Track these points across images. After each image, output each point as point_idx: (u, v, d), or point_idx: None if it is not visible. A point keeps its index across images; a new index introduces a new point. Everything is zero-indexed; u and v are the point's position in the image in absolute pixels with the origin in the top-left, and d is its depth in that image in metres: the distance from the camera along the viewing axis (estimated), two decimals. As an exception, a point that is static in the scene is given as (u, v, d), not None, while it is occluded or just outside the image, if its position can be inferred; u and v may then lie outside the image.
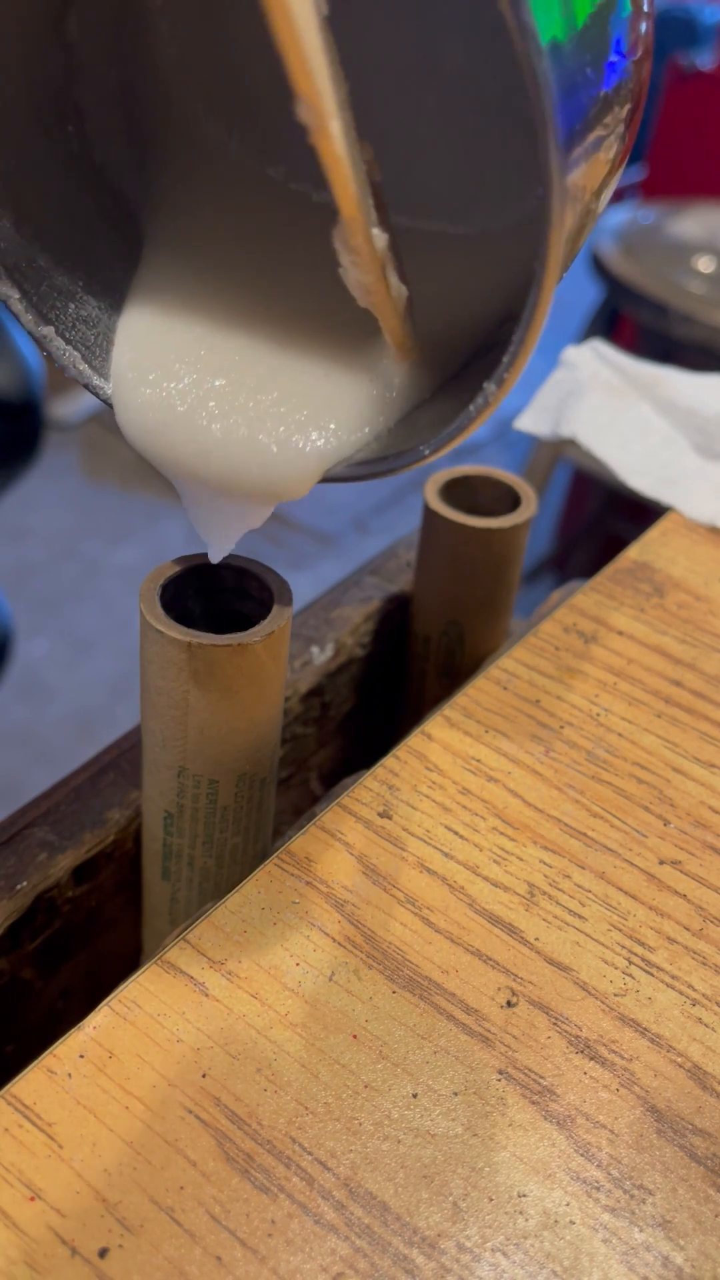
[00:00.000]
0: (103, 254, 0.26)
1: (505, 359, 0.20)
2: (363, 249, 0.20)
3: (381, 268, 0.21)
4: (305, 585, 1.37)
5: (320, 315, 0.26)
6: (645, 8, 0.22)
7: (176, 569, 0.27)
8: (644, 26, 0.22)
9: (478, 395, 0.21)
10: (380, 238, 0.21)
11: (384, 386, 0.25)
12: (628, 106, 0.21)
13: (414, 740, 0.32)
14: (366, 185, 0.20)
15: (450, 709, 0.33)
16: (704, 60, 1.62)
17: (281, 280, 0.26)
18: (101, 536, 1.63)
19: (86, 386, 0.26)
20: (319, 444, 0.24)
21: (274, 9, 0.17)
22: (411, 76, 0.25)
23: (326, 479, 0.25)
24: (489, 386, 0.21)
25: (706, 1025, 0.26)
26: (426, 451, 0.22)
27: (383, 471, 0.24)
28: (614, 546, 0.43)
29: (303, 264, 0.26)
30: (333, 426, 0.24)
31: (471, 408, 0.21)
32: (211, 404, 0.24)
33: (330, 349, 0.25)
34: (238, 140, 0.28)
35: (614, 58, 0.20)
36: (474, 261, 0.26)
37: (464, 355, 0.26)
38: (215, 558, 0.27)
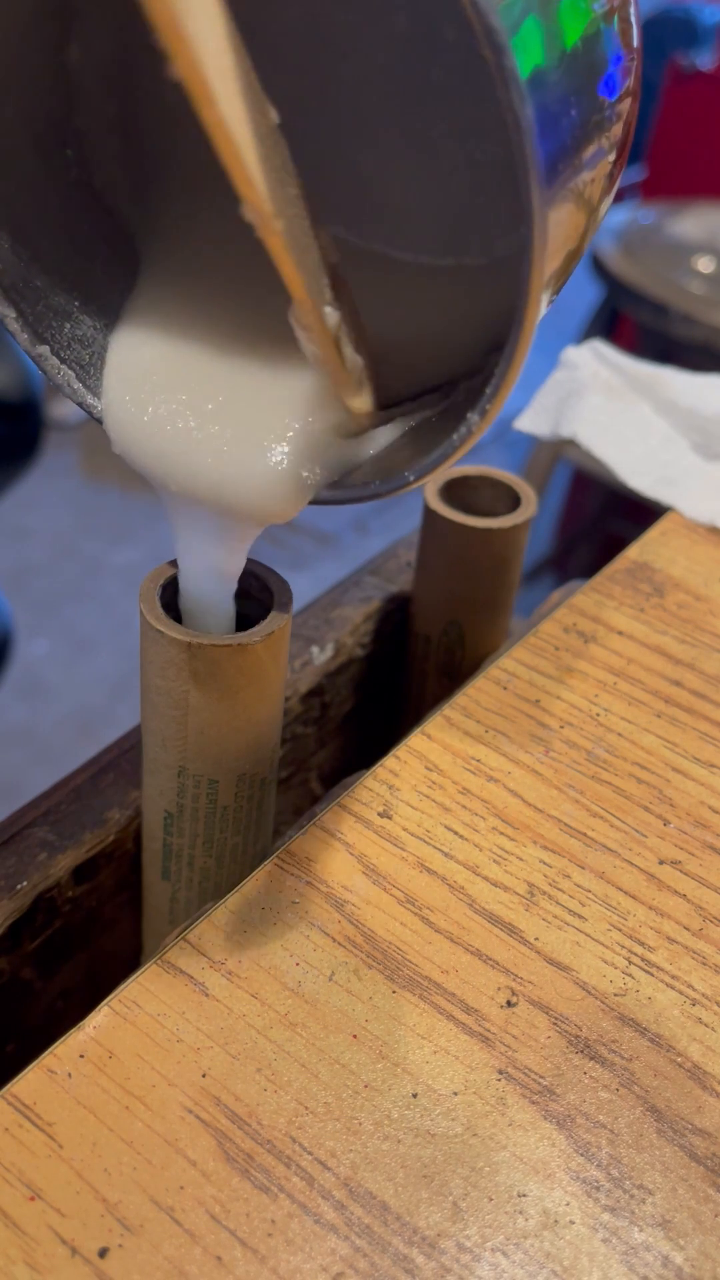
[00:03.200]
0: (99, 275, 0.27)
1: (488, 390, 0.21)
2: (315, 326, 0.21)
3: (335, 342, 0.22)
4: (305, 585, 1.37)
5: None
6: (633, 32, 0.22)
7: (177, 569, 0.27)
8: (633, 59, 0.22)
9: (460, 425, 0.21)
10: (332, 315, 0.21)
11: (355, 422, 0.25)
12: (618, 130, 0.22)
13: (414, 740, 0.32)
14: (319, 269, 0.21)
15: (450, 709, 0.33)
16: (704, 60, 1.62)
17: (275, 305, 0.26)
18: (101, 536, 1.63)
19: (80, 405, 0.26)
20: (304, 470, 0.24)
21: (214, 130, 0.17)
22: (400, 109, 0.25)
23: (314, 502, 0.25)
24: (472, 417, 0.21)
25: (706, 1025, 0.26)
26: (411, 478, 0.23)
27: (367, 496, 0.24)
28: (614, 546, 0.43)
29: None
30: (309, 456, 0.25)
31: (455, 437, 0.22)
32: (199, 424, 0.24)
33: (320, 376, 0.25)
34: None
35: (602, 88, 0.20)
36: (462, 290, 0.26)
37: (454, 377, 0.26)
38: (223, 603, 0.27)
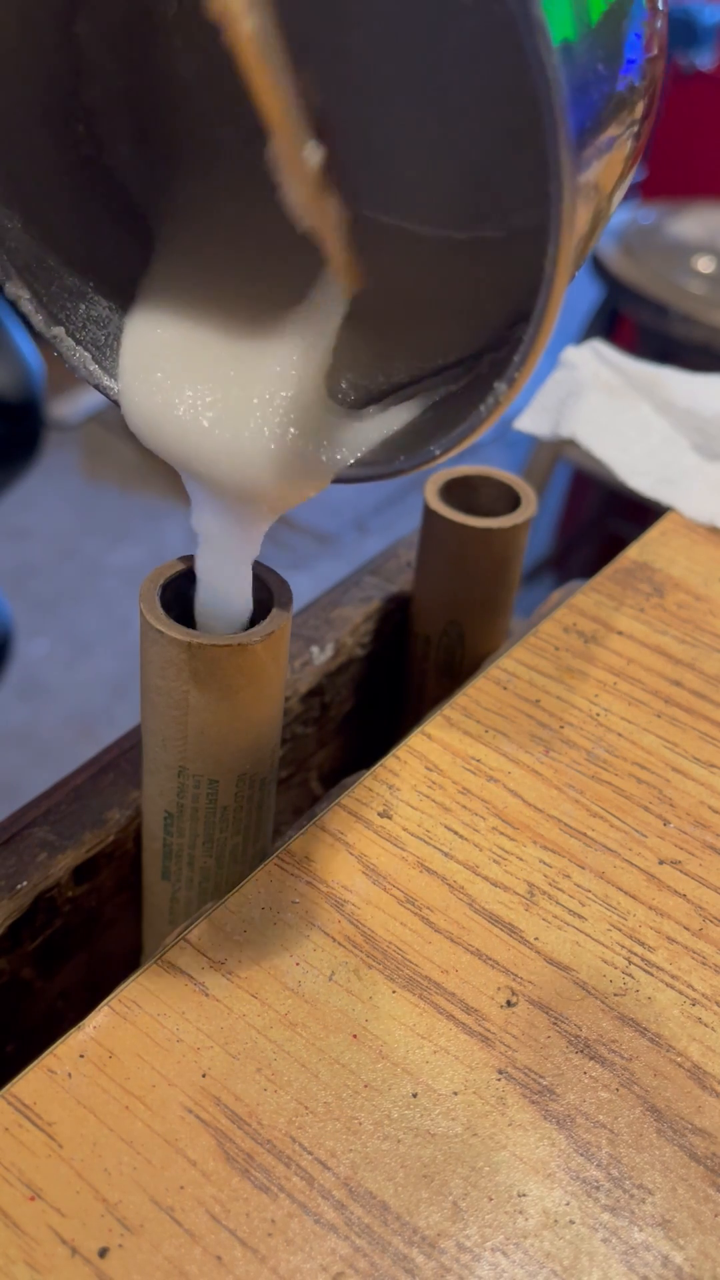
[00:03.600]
0: (112, 254, 0.26)
1: (516, 358, 0.20)
2: (292, 160, 0.19)
3: (317, 186, 0.20)
4: (305, 585, 1.37)
5: (325, 316, 0.26)
6: (659, 5, 0.22)
7: (176, 569, 0.27)
8: (658, 24, 0.22)
9: (488, 395, 0.21)
10: (314, 153, 0.20)
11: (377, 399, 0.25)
12: (641, 105, 0.21)
13: (414, 740, 0.32)
14: (295, 100, 0.19)
15: (450, 709, 0.33)
16: (704, 60, 1.62)
17: (288, 284, 0.26)
18: (101, 536, 1.63)
19: (96, 387, 0.26)
20: (319, 449, 0.24)
21: None
22: (416, 79, 0.25)
23: (338, 480, 0.25)
24: (499, 386, 0.21)
25: (706, 1025, 0.26)
26: (437, 452, 0.22)
27: (393, 473, 0.24)
28: (614, 546, 0.43)
29: (310, 268, 0.26)
30: (331, 434, 0.24)
31: (482, 408, 0.21)
32: (214, 406, 0.24)
33: (330, 351, 0.25)
34: (247, 144, 0.28)
35: (628, 56, 0.20)
36: (481, 263, 0.26)
37: (473, 351, 0.26)
38: (214, 615, 0.27)
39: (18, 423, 0.72)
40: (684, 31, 1.60)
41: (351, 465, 0.25)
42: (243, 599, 0.27)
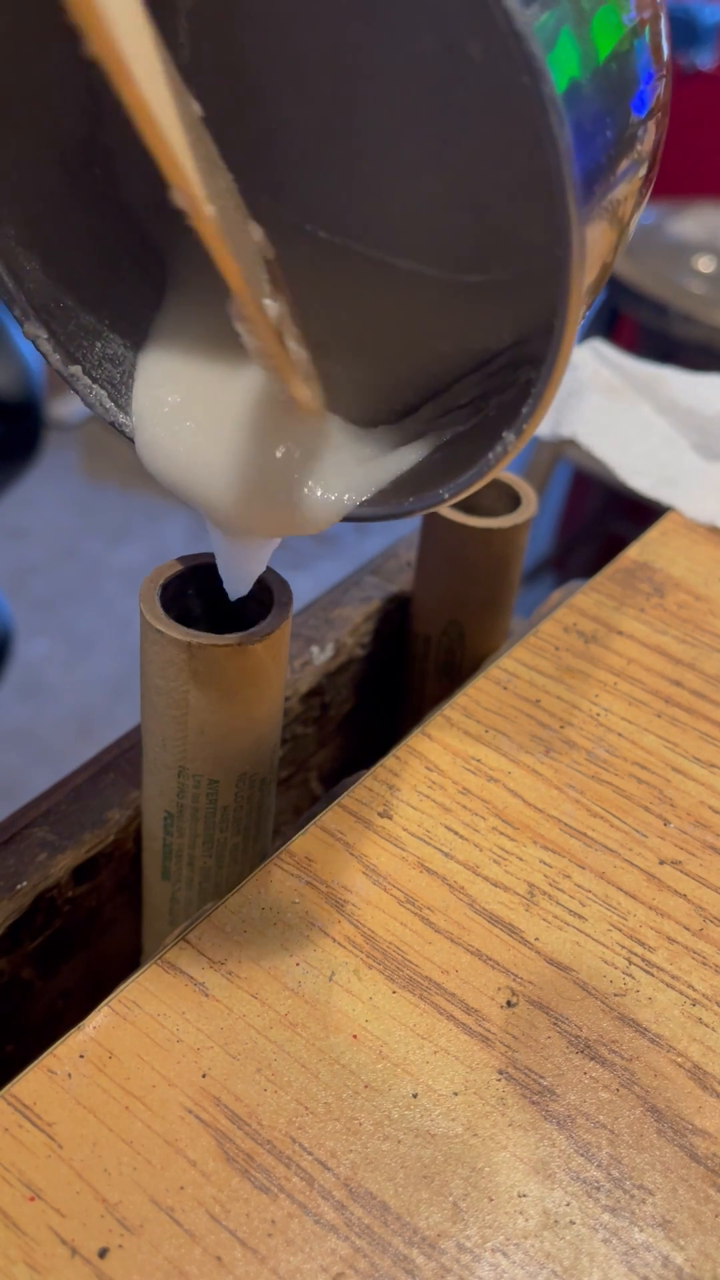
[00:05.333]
0: (128, 292, 0.27)
1: (524, 410, 0.20)
2: (255, 318, 0.21)
3: (277, 335, 0.21)
4: (305, 585, 1.37)
5: (337, 357, 0.26)
6: (662, 29, 0.21)
7: (176, 569, 0.27)
8: (664, 46, 0.21)
9: (496, 444, 0.21)
10: (272, 308, 0.21)
11: (386, 440, 0.25)
12: (651, 139, 0.21)
13: (414, 740, 0.32)
14: (257, 260, 0.20)
15: (450, 709, 0.33)
16: (704, 60, 1.62)
17: (300, 322, 0.26)
18: (101, 536, 1.63)
19: (112, 425, 0.26)
20: (328, 491, 0.24)
21: (140, 117, 0.17)
22: (426, 129, 0.25)
23: (347, 519, 0.25)
24: (508, 436, 0.21)
25: (706, 1025, 0.26)
26: (445, 495, 0.23)
27: (401, 514, 0.24)
28: (614, 546, 0.43)
29: (321, 306, 0.26)
30: (339, 475, 0.25)
31: (490, 456, 0.21)
32: (225, 444, 0.24)
33: (346, 393, 0.25)
34: (260, 183, 0.28)
35: (636, 95, 0.20)
36: (487, 302, 0.26)
37: (477, 395, 0.26)
38: (236, 594, 0.27)
39: (18, 423, 0.72)
40: (684, 31, 1.61)
41: (361, 505, 0.25)
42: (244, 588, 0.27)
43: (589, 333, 1.39)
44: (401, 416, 0.26)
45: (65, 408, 1.80)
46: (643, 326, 1.28)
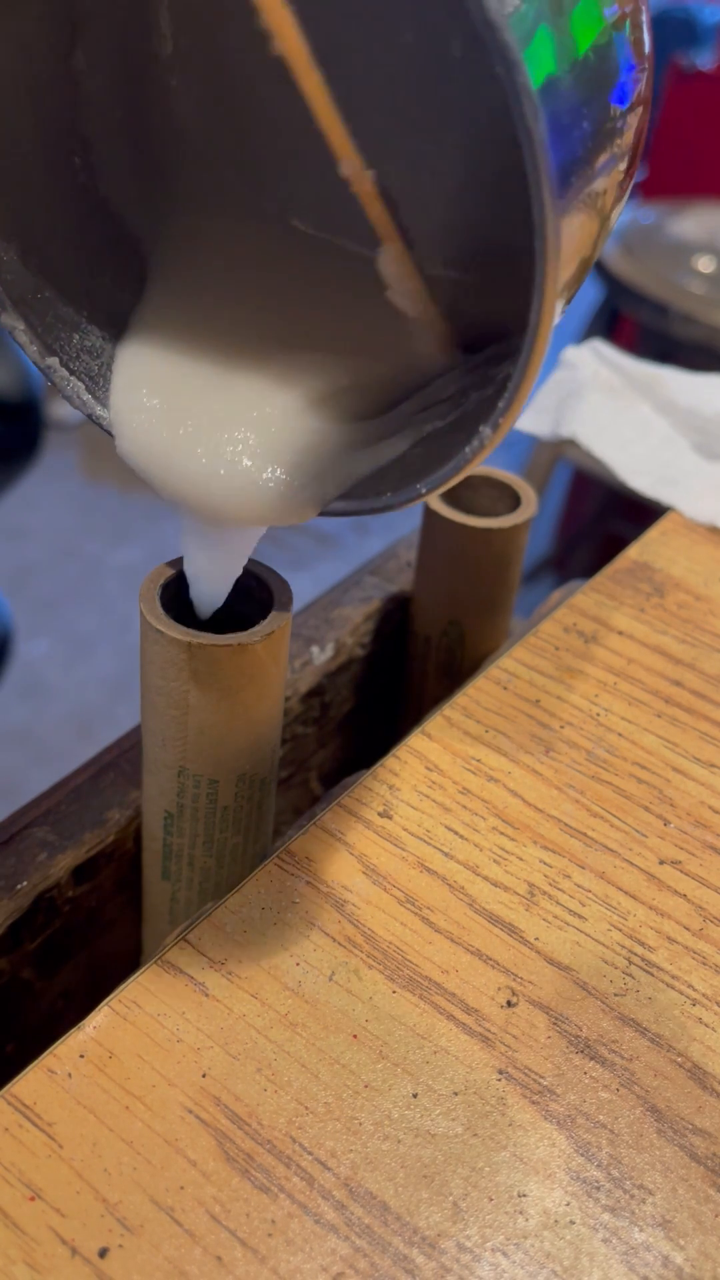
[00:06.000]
0: (107, 284, 0.27)
1: (500, 404, 0.20)
2: (405, 263, 0.22)
3: (420, 275, 0.22)
4: (305, 585, 1.37)
5: (316, 352, 0.26)
6: (643, 20, 0.21)
7: (176, 569, 0.27)
8: (645, 40, 0.21)
9: (473, 438, 0.21)
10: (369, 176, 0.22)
11: (363, 433, 0.25)
12: (631, 132, 0.21)
13: (414, 740, 0.32)
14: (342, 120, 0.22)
15: (450, 709, 0.33)
16: (704, 60, 1.62)
17: (281, 315, 0.26)
18: (101, 536, 1.63)
19: (90, 417, 0.26)
20: (305, 482, 0.24)
21: (313, 96, 0.19)
22: (402, 127, 0.25)
23: (325, 513, 0.25)
24: (484, 430, 0.21)
25: (706, 1025, 0.26)
26: (423, 490, 0.23)
27: (379, 509, 0.24)
28: (614, 546, 0.43)
29: (302, 300, 0.26)
30: (318, 467, 0.25)
31: (468, 450, 0.21)
32: (202, 435, 0.24)
33: (324, 387, 0.25)
34: (243, 177, 0.28)
35: (616, 86, 0.20)
36: (470, 297, 0.26)
37: (456, 390, 0.26)
38: (208, 608, 0.27)
39: (18, 423, 0.72)
40: (684, 31, 1.61)
41: (339, 499, 0.25)
42: (220, 597, 0.27)
43: (589, 333, 1.39)
44: (382, 410, 0.26)
45: (65, 408, 1.80)
46: (643, 326, 1.28)
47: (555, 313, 0.19)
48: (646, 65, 0.21)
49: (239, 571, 0.27)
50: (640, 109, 0.22)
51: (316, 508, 0.25)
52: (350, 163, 0.21)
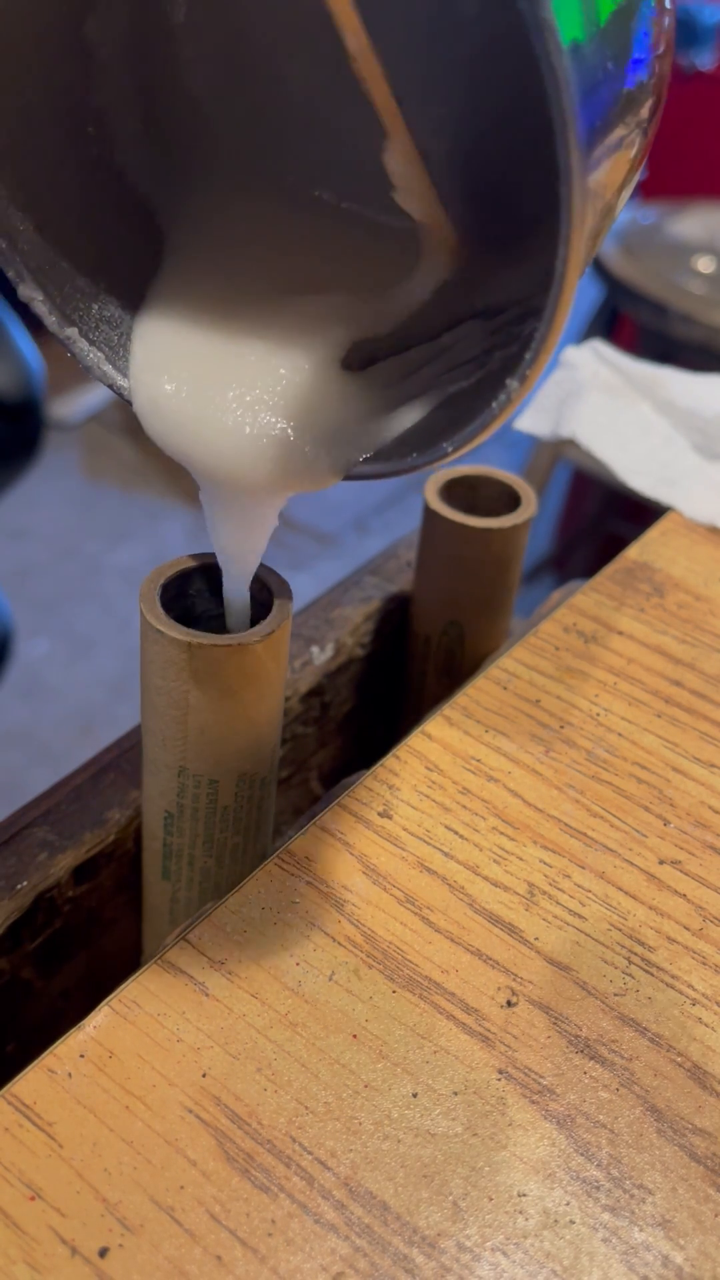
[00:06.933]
0: (124, 255, 0.27)
1: (527, 355, 0.20)
2: (412, 159, 0.22)
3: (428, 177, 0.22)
4: (305, 585, 1.37)
5: (332, 320, 0.26)
6: (667, 3, 0.22)
7: (176, 569, 0.27)
8: (666, 22, 0.22)
9: (500, 392, 0.21)
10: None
11: (386, 396, 0.25)
12: (649, 103, 0.21)
13: (414, 740, 0.32)
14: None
15: (450, 709, 0.33)
16: (704, 60, 1.62)
17: (298, 284, 0.26)
18: (101, 536, 1.63)
19: (110, 387, 0.26)
20: (330, 448, 0.24)
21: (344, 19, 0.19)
22: (423, 92, 0.25)
23: (349, 477, 0.25)
24: (511, 383, 0.21)
25: (706, 1025, 0.26)
26: (449, 449, 0.22)
27: (406, 469, 0.24)
28: (614, 546, 0.43)
29: (320, 270, 0.26)
30: (341, 432, 0.24)
31: (494, 405, 0.21)
32: (221, 403, 0.24)
33: (341, 346, 0.25)
34: (259, 147, 0.28)
35: (636, 54, 0.20)
36: (491, 256, 0.26)
37: (480, 351, 0.26)
38: (239, 585, 0.27)
39: (18, 423, 0.72)
40: (684, 31, 1.61)
41: (364, 462, 0.25)
42: (247, 573, 0.27)
43: (589, 333, 1.39)
44: (405, 375, 0.26)
45: (65, 408, 1.79)
46: (643, 326, 1.28)
47: (582, 258, 0.19)
48: (667, 45, 0.22)
49: (263, 546, 0.27)
50: (666, 58, 0.22)
51: (340, 471, 0.25)
52: (355, 38, 0.21)
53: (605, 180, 0.20)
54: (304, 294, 0.26)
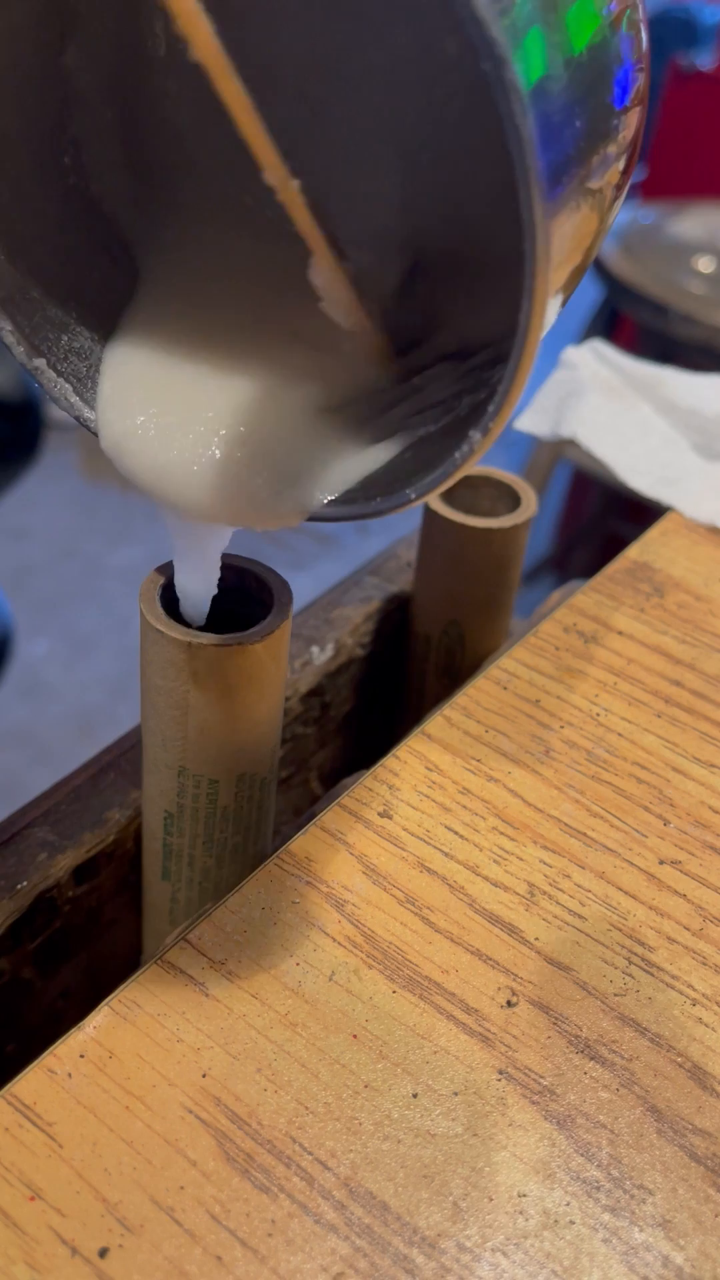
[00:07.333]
0: (96, 285, 0.26)
1: (490, 408, 0.20)
2: (335, 275, 0.22)
3: (353, 289, 0.22)
4: (305, 585, 1.37)
5: (305, 356, 0.26)
6: (639, 17, 0.21)
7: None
8: (642, 39, 0.21)
9: (463, 443, 0.21)
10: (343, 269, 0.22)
11: (353, 437, 0.25)
12: (630, 130, 0.21)
13: (414, 740, 0.32)
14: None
15: (450, 709, 0.33)
16: (704, 60, 1.62)
17: (271, 319, 0.26)
18: (101, 536, 1.63)
19: (77, 419, 0.26)
20: (294, 487, 0.24)
21: (233, 103, 0.19)
22: (397, 129, 0.25)
23: (314, 518, 0.25)
24: (474, 434, 0.21)
25: (706, 1025, 0.26)
26: (412, 496, 0.22)
27: (369, 514, 0.24)
28: (614, 546, 0.43)
29: (293, 302, 0.26)
30: (307, 471, 0.24)
31: (457, 455, 0.21)
32: (193, 437, 0.24)
33: (311, 391, 0.25)
34: (237, 178, 0.28)
35: (607, 100, 0.20)
36: (465, 297, 0.26)
37: (449, 394, 0.26)
38: (194, 611, 0.27)
39: (18, 423, 0.72)
40: (684, 31, 1.61)
41: (329, 503, 0.25)
42: (200, 599, 0.27)
43: (589, 333, 1.39)
44: (375, 415, 0.26)
45: (65, 408, 1.79)
46: (643, 326, 1.28)
47: (546, 316, 0.19)
48: (643, 64, 0.21)
49: (216, 572, 0.27)
50: (637, 108, 0.21)
51: (304, 512, 0.25)
52: (274, 171, 0.21)
53: (573, 236, 0.20)
54: (277, 332, 0.26)
